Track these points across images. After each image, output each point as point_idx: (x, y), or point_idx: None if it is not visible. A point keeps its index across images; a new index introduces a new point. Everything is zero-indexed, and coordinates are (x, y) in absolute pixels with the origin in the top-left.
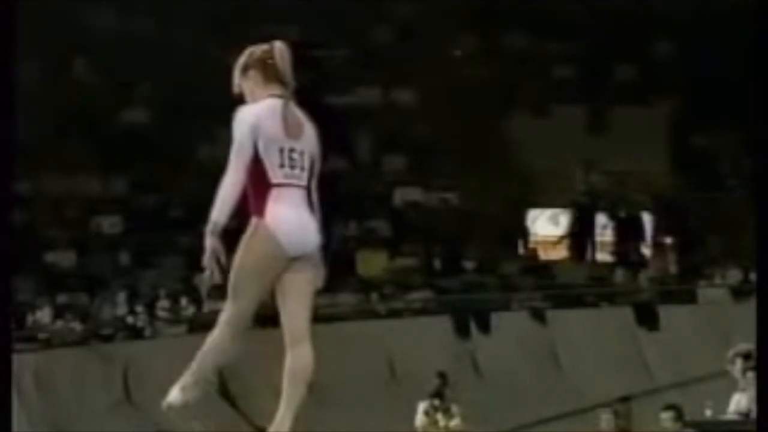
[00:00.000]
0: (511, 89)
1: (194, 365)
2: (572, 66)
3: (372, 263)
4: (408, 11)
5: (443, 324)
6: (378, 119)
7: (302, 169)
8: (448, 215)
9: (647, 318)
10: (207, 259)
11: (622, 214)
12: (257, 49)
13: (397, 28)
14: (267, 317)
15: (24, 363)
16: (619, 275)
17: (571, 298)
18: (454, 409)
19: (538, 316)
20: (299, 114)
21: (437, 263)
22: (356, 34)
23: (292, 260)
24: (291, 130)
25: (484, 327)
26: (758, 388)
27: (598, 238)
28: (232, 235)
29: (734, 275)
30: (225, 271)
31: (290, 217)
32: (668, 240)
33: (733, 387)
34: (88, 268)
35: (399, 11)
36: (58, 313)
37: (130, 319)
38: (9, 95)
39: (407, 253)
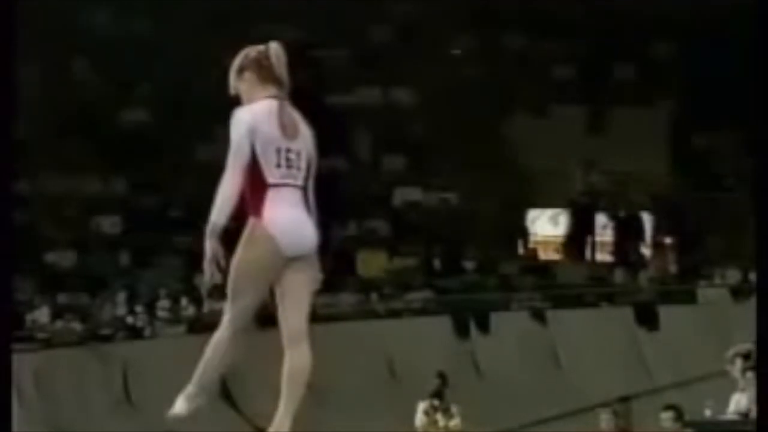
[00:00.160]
0: (511, 89)
1: (197, 373)
2: (572, 66)
3: (372, 263)
4: (408, 11)
5: (443, 324)
6: (378, 119)
7: (299, 169)
8: (448, 215)
9: (647, 318)
10: (207, 262)
11: (622, 214)
12: (252, 50)
13: (397, 28)
14: (267, 317)
15: (24, 363)
16: (619, 275)
17: (571, 298)
18: (454, 409)
19: (538, 316)
20: (295, 114)
21: (437, 263)
22: (356, 34)
23: (290, 260)
24: (287, 130)
25: (484, 327)
26: (758, 388)
27: (598, 238)
28: (231, 235)
29: (734, 275)
30: (224, 272)
31: (287, 217)
32: (668, 240)
33: (732, 387)
34: (88, 268)
35: (399, 11)
36: (58, 313)
37: (129, 319)
38: (9, 95)
39: (407, 253)
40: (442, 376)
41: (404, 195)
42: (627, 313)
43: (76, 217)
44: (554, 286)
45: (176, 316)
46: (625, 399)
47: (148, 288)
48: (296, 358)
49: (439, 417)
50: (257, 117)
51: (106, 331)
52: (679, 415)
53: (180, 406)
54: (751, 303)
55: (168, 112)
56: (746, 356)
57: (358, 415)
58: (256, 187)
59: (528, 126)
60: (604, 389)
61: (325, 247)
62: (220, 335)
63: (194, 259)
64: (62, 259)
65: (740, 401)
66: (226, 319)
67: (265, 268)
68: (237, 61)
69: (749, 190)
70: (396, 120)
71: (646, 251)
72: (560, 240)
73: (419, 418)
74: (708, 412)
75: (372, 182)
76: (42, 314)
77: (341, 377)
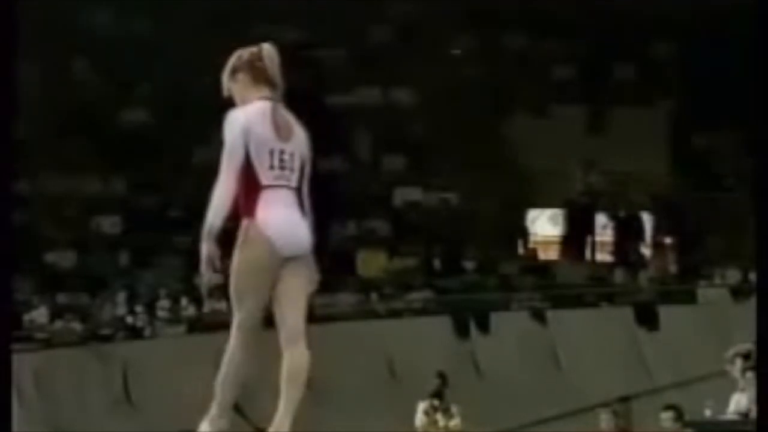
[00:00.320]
0: (511, 89)
1: (216, 394)
2: (572, 66)
3: (372, 263)
4: (408, 11)
5: (443, 324)
6: (378, 119)
7: (292, 170)
8: (448, 215)
9: (647, 318)
10: (203, 264)
11: (622, 214)
12: (245, 52)
13: (397, 28)
14: (267, 318)
15: (24, 363)
16: (619, 275)
17: (571, 298)
18: (454, 409)
19: (538, 316)
20: (289, 116)
21: (437, 263)
22: (356, 34)
23: (286, 261)
24: (281, 131)
25: (484, 327)
26: (758, 388)
27: (598, 238)
28: (227, 236)
29: (734, 275)
30: (224, 272)
31: (281, 218)
32: (668, 240)
33: (732, 387)
34: (88, 268)
35: (399, 11)
36: (58, 313)
37: (129, 319)
38: (9, 95)
39: (407, 253)
40: (442, 376)
41: (404, 195)
42: (627, 313)
43: (76, 217)
44: (554, 286)
45: (176, 316)
46: (625, 399)
47: (148, 288)
48: (294, 358)
49: (439, 417)
50: (251, 118)
51: (106, 331)
52: (679, 415)
53: (204, 429)
54: (751, 303)
55: (168, 112)
56: (746, 356)
57: (358, 415)
58: (249, 188)
59: (528, 126)
60: (604, 389)
61: (324, 247)
62: (231, 349)
63: (194, 259)
64: (62, 259)
65: (740, 401)
66: (234, 328)
67: (263, 268)
68: (230, 63)
69: (749, 190)
70: (396, 120)
71: (646, 251)
72: (560, 240)
73: (419, 418)
74: (708, 412)
75: (372, 182)
76: (41, 314)
77: (341, 377)
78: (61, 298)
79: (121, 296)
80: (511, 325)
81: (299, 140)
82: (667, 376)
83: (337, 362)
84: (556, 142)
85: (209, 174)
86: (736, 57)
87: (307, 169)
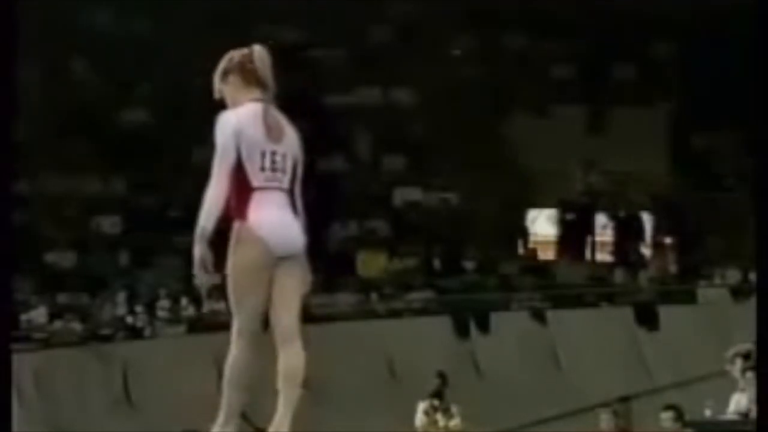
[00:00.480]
0: (511, 89)
1: (223, 400)
2: (572, 66)
3: (372, 263)
4: (408, 11)
5: (443, 324)
6: (378, 119)
7: (284, 172)
8: (448, 215)
9: (647, 318)
10: (196, 266)
11: (622, 214)
12: (237, 54)
13: (397, 28)
14: (266, 320)
15: (24, 363)
16: (619, 275)
17: (571, 298)
18: (454, 409)
19: (538, 316)
20: (280, 117)
21: (437, 263)
22: (356, 34)
23: (280, 260)
24: (272, 133)
25: (484, 327)
26: (758, 388)
27: (598, 238)
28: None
29: (734, 275)
30: (220, 271)
31: (273, 218)
32: (668, 240)
33: (732, 387)
34: (88, 268)
35: (399, 11)
36: (58, 312)
37: (129, 319)
38: (9, 95)
39: (407, 253)
40: (442, 376)
41: (404, 195)
42: (627, 313)
43: (76, 217)
44: (554, 286)
45: (176, 316)
46: (625, 399)
47: (148, 288)
48: (290, 358)
49: (439, 417)
50: (242, 120)
51: (106, 331)
52: (679, 415)
53: None
54: (751, 303)
55: (168, 112)
56: (746, 356)
57: (358, 415)
58: (241, 190)
59: (528, 126)
60: (604, 389)
61: (324, 247)
62: (233, 354)
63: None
64: (62, 259)
65: (740, 401)
66: (235, 334)
67: (259, 268)
68: (221, 65)
69: (749, 190)
70: (396, 120)
71: (646, 251)
72: (560, 240)
73: (419, 418)
74: (708, 412)
75: (372, 182)
76: (41, 314)
77: (341, 377)
78: (61, 298)
79: (121, 296)
80: (511, 325)
81: (291, 141)
82: (667, 376)
83: (337, 362)
84: (556, 142)
85: (209, 174)
86: (736, 57)
87: (300, 171)
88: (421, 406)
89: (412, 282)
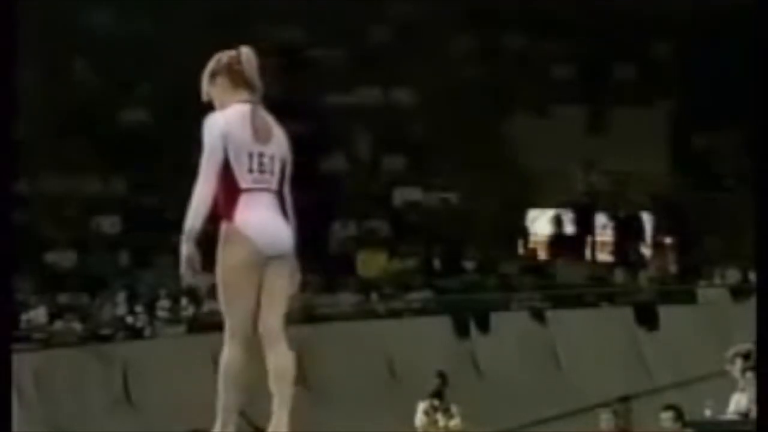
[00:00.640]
0: (511, 89)
1: (219, 402)
2: (572, 66)
3: (372, 263)
4: (408, 11)
5: (443, 324)
6: (378, 119)
7: (272, 173)
8: (448, 215)
9: (647, 318)
10: (183, 266)
11: (622, 214)
12: (224, 56)
13: (397, 28)
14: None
15: (24, 363)
16: (619, 275)
17: (571, 298)
18: (454, 409)
19: (538, 316)
20: (268, 118)
21: (437, 263)
22: (356, 34)
23: (268, 260)
24: (260, 134)
25: (484, 327)
26: (758, 388)
27: (598, 238)
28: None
29: (734, 275)
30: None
31: (260, 219)
32: (668, 240)
33: (732, 387)
34: (87, 268)
35: (399, 11)
36: (58, 313)
37: (129, 319)
38: (9, 95)
39: (407, 253)
40: (442, 376)
41: (404, 195)
42: (627, 313)
43: (76, 217)
44: (554, 286)
45: (176, 316)
46: (625, 399)
47: (148, 288)
48: (279, 358)
49: (439, 417)
50: (230, 121)
51: (106, 331)
52: (679, 415)
53: None
54: (751, 303)
55: (168, 112)
56: (746, 356)
57: (358, 415)
58: (228, 192)
59: (528, 126)
60: (604, 389)
61: (324, 247)
62: (227, 355)
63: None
64: (62, 259)
65: (740, 401)
66: (227, 336)
67: (248, 267)
68: (208, 68)
69: (749, 190)
70: (396, 120)
71: (646, 251)
72: (560, 240)
73: (419, 418)
74: (708, 412)
75: (372, 182)
76: (41, 314)
77: (341, 377)
78: (61, 298)
79: (121, 296)
80: (511, 325)
81: (279, 142)
82: (667, 376)
83: (337, 362)
84: (556, 142)
85: None
86: (736, 57)
87: (288, 172)
88: (421, 406)
89: (412, 282)
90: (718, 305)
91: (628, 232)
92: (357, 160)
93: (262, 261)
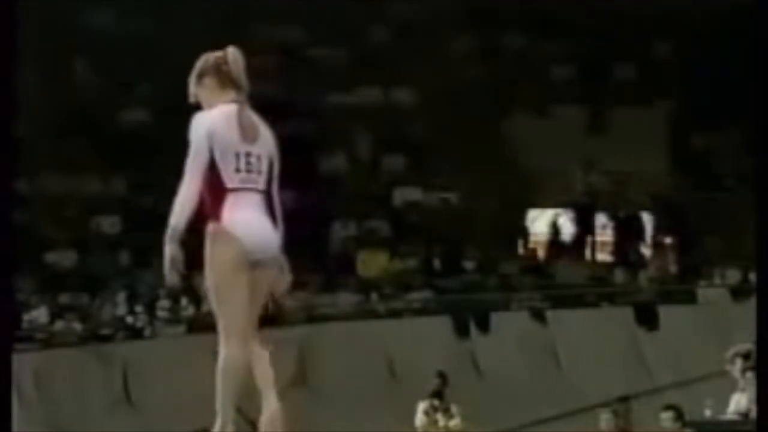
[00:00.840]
0: (511, 89)
1: (218, 403)
2: (572, 66)
3: (372, 263)
4: (408, 11)
5: (443, 324)
6: (378, 119)
7: (259, 172)
8: (448, 215)
9: (647, 318)
10: (167, 266)
11: (622, 214)
12: (211, 56)
13: (397, 28)
14: (265, 318)
15: (24, 363)
16: (619, 275)
17: (571, 298)
18: (454, 409)
19: (538, 315)
20: (255, 117)
21: (437, 263)
22: (356, 34)
23: (255, 262)
24: (246, 134)
25: (484, 327)
26: (758, 388)
27: (598, 238)
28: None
29: (734, 275)
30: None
31: (249, 220)
32: (668, 240)
33: (732, 387)
34: (88, 268)
35: (399, 11)
36: (59, 313)
37: (129, 319)
38: (9, 95)
39: (407, 253)
40: (442, 376)
41: (404, 195)
42: (627, 313)
43: (76, 217)
44: (554, 286)
45: (176, 316)
46: (625, 399)
47: (148, 288)
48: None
49: (440, 417)
50: (216, 121)
51: (106, 331)
52: (679, 415)
53: None
54: (751, 303)
55: (168, 112)
56: (746, 356)
57: (358, 415)
58: (215, 192)
59: (528, 126)
60: (604, 389)
61: (324, 247)
62: (225, 354)
63: (194, 259)
64: (62, 259)
65: (740, 401)
66: (222, 336)
67: (237, 266)
68: (195, 69)
69: (749, 190)
70: (396, 120)
71: (646, 251)
72: (560, 240)
73: (419, 418)
74: (708, 412)
75: (372, 182)
76: (41, 314)
77: (341, 377)
78: (62, 298)
79: (121, 296)
80: (511, 325)
81: (266, 142)
82: (667, 376)
83: (337, 362)
84: (556, 142)
85: None
86: (736, 57)
87: (276, 171)
88: (421, 406)
89: (412, 282)
90: (718, 305)
91: (628, 232)
92: (357, 160)
93: (250, 261)
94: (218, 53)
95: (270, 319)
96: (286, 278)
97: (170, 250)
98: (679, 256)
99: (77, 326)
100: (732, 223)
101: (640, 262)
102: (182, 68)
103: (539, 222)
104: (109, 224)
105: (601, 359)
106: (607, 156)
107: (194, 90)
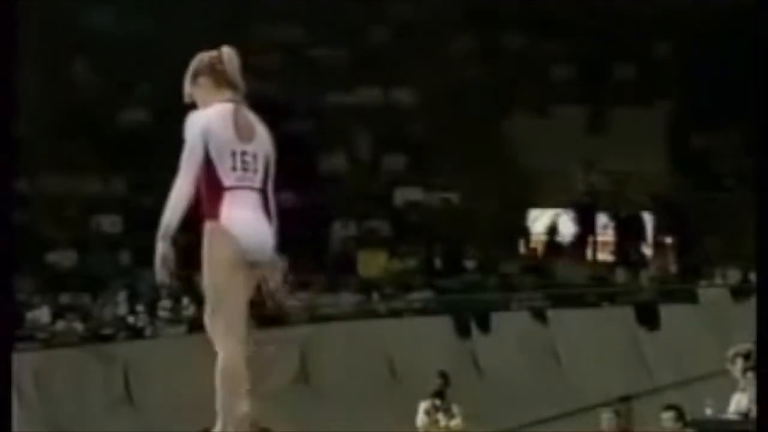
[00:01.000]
0: (511, 89)
1: (218, 405)
2: (572, 66)
3: (372, 263)
4: (408, 11)
5: (444, 324)
6: (378, 119)
7: (255, 171)
8: (448, 215)
9: (648, 317)
10: (158, 264)
11: (623, 214)
12: (206, 56)
13: (397, 28)
14: (266, 318)
15: (24, 363)
16: (620, 275)
17: (571, 298)
18: (455, 408)
19: (539, 315)
20: (251, 116)
21: (438, 263)
22: (356, 34)
23: (250, 263)
24: (242, 133)
25: (485, 327)
26: (758, 388)
27: (598, 238)
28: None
29: (734, 275)
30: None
31: (246, 219)
32: (669, 240)
33: (733, 387)
34: (88, 267)
35: (399, 11)
36: (59, 312)
37: (130, 319)
38: (9, 95)
39: (407, 253)
40: (443, 376)
41: (404, 195)
42: (628, 313)
43: (76, 217)
44: (555, 286)
45: (177, 315)
46: (625, 399)
47: (148, 288)
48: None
49: (440, 416)
50: (211, 120)
51: (107, 331)
52: (680, 415)
53: None
54: (752, 303)
55: (168, 112)
56: (747, 356)
57: (359, 415)
58: (212, 190)
59: (528, 126)
60: (605, 389)
61: (324, 247)
62: (225, 355)
63: (194, 258)
64: (63, 258)
65: (741, 401)
66: (222, 336)
67: (235, 264)
68: (190, 68)
69: (749, 190)
70: (396, 120)
71: (646, 251)
72: (561, 240)
73: (420, 418)
74: (709, 412)
75: (372, 182)
76: (42, 314)
77: (342, 377)
78: (62, 298)
79: (122, 296)
80: (511, 324)
81: (262, 140)
82: (667, 375)
83: (338, 362)
84: (556, 142)
85: None
86: (736, 57)
87: (272, 170)
88: (422, 405)
89: (413, 282)
90: (718, 305)
91: (628, 232)
92: (357, 160)
93: (246, 263)
94: (213, 53)
95: (271, 319)
96: (278, 276)
97: (162, 248)
98: (679, 256)
99: (78, 326)
100: (732, 223)
101: (641, 262)
102: (182, 68)
103: (540, 222)
104: (110, 224)
105: (601, 359)
106: (607, 156)
107: (189, 90)
